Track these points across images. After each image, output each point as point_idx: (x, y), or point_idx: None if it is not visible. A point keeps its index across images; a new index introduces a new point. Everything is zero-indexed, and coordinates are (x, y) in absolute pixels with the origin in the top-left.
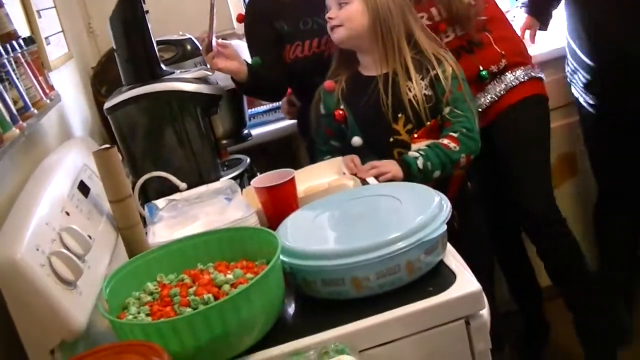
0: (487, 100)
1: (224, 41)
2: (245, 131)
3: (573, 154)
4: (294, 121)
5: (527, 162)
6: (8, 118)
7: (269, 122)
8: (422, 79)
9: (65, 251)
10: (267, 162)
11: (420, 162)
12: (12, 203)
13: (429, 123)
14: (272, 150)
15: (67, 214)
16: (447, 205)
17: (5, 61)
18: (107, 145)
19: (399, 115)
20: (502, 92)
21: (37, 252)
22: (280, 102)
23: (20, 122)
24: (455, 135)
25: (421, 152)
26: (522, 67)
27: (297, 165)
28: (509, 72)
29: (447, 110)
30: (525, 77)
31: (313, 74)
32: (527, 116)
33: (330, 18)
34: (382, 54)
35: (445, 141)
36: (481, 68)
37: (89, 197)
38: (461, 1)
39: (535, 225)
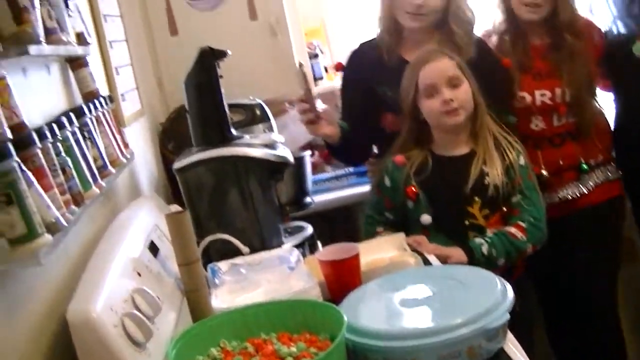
0: (576, 193)
1: (325, 107)
2: (308, 199)
3: (634, 240)
4: (355, 190)
5: (597, 262)
6: (89, 177)
7: (331, 189)
8: (502, 163)
9: (137, 313)
10: (327, 229)
11: (485, 249)
12: (87, 258)
13: (504, 209)
14: (332, 218)
15: (139, 274)
16: (510, 293)
17: (88, 120)
18: (180, 209)
19: (476, 198)
20: (590, 188)
21: (111, 312)
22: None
23: (99, 181)
24: (523, 224)
25: (487, 239)
26: (610, 165)
27: (357, 234)
28: (601, 168)
29: (517, 198)
30: (612, 177)
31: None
32: (609, 222)
33: (448, 101)
34: (469, 135)
35: (513, 230)
36: (582, 160)
37: (158, 257)
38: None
39: (587, 315)
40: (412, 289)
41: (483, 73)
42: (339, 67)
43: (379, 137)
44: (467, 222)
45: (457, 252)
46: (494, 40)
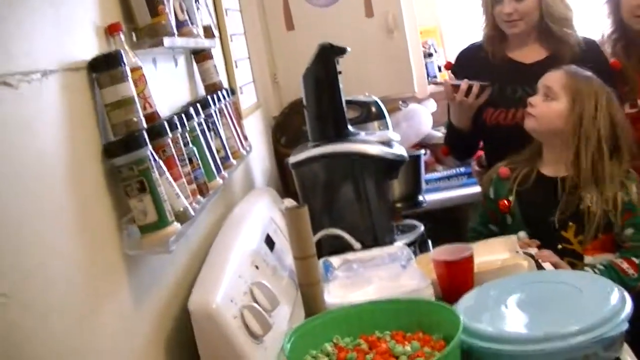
0: None
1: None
2: (420, 197)
3: None
4: (466, 191)
5: None
6: (213, 168)
7: (441, 189)
8: (605, 193)
9: (256, 306)
10: (435, 229)
11: None
12: (206, 248)
13: (602, 236)
14: (441, 218)
15: (257, 267)
16: (628, 301)
17: (212, 112)
18: (295, 203)
19: (570, 223)
20: None
21: (231, 304)
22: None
23: (223, 172)
24: (637, 261)
25: (597, 270)
26: None
27: (466, 235)
28: None
29: (629, 231)
30: None
31: (510, 144)
32: None
33: (530, 104)
34: (572, 159)
35: (625, 265)
36: None
37: (274, 251)
38: None
39: None
40: (526, 293)
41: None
42: (448, 66)
43: (481, 131)
44: (560, 246)
45: (570, 269)
46: (607, 49)
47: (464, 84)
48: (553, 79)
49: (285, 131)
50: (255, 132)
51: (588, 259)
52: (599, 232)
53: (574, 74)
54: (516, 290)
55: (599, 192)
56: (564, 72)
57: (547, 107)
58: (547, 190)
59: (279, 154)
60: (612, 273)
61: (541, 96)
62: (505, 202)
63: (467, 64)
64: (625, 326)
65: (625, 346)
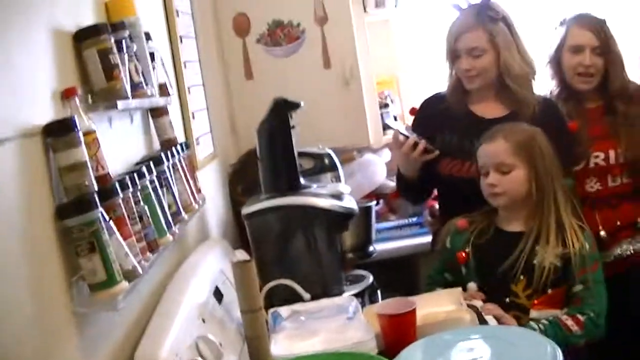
0: (632, 250)
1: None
2: (371, 248)
3: None
4: (418, 240)
5: None
6: (164, 224)
7: (394, 238)
8: (556, 248)
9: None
10: (388, 278)
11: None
12: (157, 301)
13: (550, 291)
14: (393, 267)
15: (203, 320)
16: (560, 357)
17: (166, 168)
18: (245, 258)
19: (521, 277)
20: None
21: (175, 358)
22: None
23: (173, 228)
24: (582, 318)
25: (541, 326)
26: None
27: (416, 284)
28: None
29: (579, 287)
30: None
31: (464, 195)
32: None
33: (491, 185)
34: (528, 216)
35: (570, 322)
36: (639, 220)
37: (222, 303)
38: None
39: None
40: (464, 348)
41: (549, 133)
42: (412, 111)
43: (435, 181)
44: (507, 300)
45: (514, 323)
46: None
47: (412, 138)
48: (500, 153)
49: (242, 180)
50: (211, 182)
51: (533, 313)
52: (549, 287)
53: (512, 136)
54: (454, 344)
55: (550, 247)
56: (504, 141)
57: (510, 181)
58: (503, 245)
59: (236, 202)
60: (557, 329)
61: (496, 173)
62: (463, 254)
63: (429, 113)
64: None
65: None
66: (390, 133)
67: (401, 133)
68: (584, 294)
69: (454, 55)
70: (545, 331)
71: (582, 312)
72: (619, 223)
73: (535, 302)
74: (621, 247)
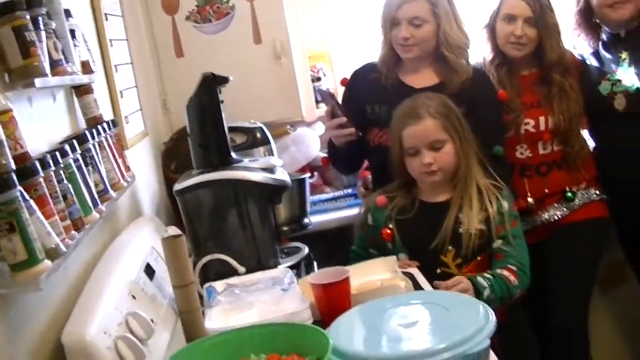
0: (558, 215)
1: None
2: (306, 220)
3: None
4: (352, 211)
5: (570, 284)
6: (90, 202)
7: (329, 210)
8: (479, 213)
9: (130, 336)
10: (324, 248)
11: (486, 293)
12: (86, 281)
13: (478, 258)
14: (329, 237)
15: (134, 297)
16: (492, 319)
17: (91, 146)
18: (175, 233)
19: (449, 247)
20: (571, 209)
21: (104, 335)
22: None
23: (100, 206)
24: (514, 268)
25: (489, 282)
26: (593, 187)
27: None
28: (585, 191)
29: (499, 243)
30: (595, 198)
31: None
32: (586, 240)
33: (428, 164)
34: (451, 185)
35: (506, 273)
36: (567, 189)
37: (153, 279)
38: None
39: (559, 342)
40: (399, 314)
41: (479, 104)
42: (343, 82)
43: (366, 151)
44: (439, 271)
45: (470, 288)
46: (492, 74)
47: (338, 119)
48: (431, 131)
49: (175, 157)
50: (143, 160)
51: (488, 273)
52: (476, 253)
53: (436, 112)
54: (388, 311)
55: (474, 214)
56: (431, 118)
57: (443, 156)
58: (429, 217)
59: (170, 180)
60: (502, 284)
61: (430, 151)
62: (388, 230)
63: (359, 83)
64: (487, 343)
65: (493, 358)
66: (322, 105)
67: (333, 106)
68: (505, 247)
69: (392, 23)
70: (493, 288)
71: (511, 263)
72: (547, 191)
73: (465, 270)
74: (548, 212)
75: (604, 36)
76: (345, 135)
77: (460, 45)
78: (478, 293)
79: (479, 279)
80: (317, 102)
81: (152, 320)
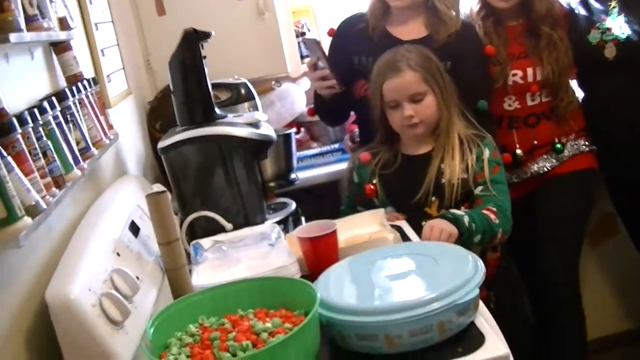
0: (548, 167)
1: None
2: (293, 175)
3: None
4: (340, 166)
5: (560, 236)
6: (71, 160)
7: (316, 165)
8: (461, 162)
9: (115, 293)
10: (312, 204)
11: (466, 220)
12: (68, 239)
13: (462, 208)
14: (318, 193)
15: (118, 254)
16: (481, 268)
17: (71, 103)
18: (159, 189)
19: (433, 198)
20: (561, 161)
21: (89, 293)
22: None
23: (82, 163)
24: (494, 209)
25: (465, 211)
26: (582, 138)
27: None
28: (574, 142)
29: (480, 188)
30: (584, 149)
31: None
32: (575, 191)
33: (410, 116)
34: (433, 137)
35: (485, 211)
36: (556, 140)
37: (138, 237)
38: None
39: (549, 295)
40: (387, 266)
41: (465, 58)
42: (330, 32)
43: (351, 103)
44: (423, 223)
45: (448, 227)
46: (477, 25)
47: (320, 71)
48: (409, 82)
49: (160, 116)
50: (127, 119)
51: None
52: (460, 203)
53: (416, 64)
54: (377, 263)
55: (455, 163)
56: (411, 71)
57: (425, 108)
58: (412, 170)
59: (155, 139)
60: (480, 215)
61: (411, 104)
62: (371, 186)
63: (345, 33)
64: (476, 292)
65: (482, 308)
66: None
67: (316, 60)
68: (485, 192)
69: None
70: (472, 216)
71: (491, 205)
72: (536, 142)
73: None
74: (537, 164)
75: None
76: (328, 87)
77: None
78: (458, 222)
79: (453, 210)
80: (302, 57)
81: (137, 278)
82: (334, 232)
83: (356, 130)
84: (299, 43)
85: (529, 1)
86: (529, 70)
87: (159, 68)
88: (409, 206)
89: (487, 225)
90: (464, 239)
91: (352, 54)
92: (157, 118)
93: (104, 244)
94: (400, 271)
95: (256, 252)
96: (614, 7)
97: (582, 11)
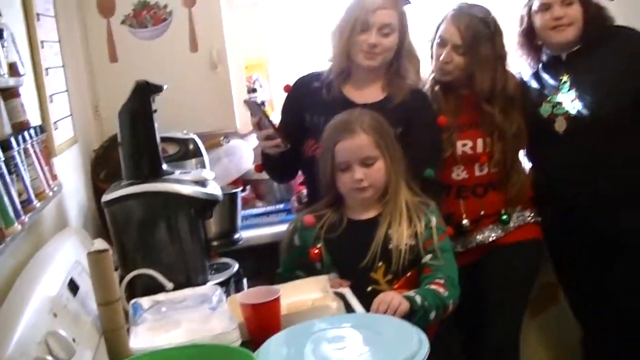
0: (493, 237)
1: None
2: (237, 235)
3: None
4: (285, 227)
5: (505, 305)
6: (12, 213)
7: (261, 224)
8: (408, 229)
9: (49, 358)
10: (255, 263)
11: (419, 299)
12: (5, 295)
13: (409, 273)
14: (261, 253)
15: (55, 315)
16: (425, 342)
17: (16, 153)
18: (101, 247)
19: (379, 264)
20: (506, 231)
21: (23, 356)
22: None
23: (23, 217)
24: (441, 281)
25: (415, 291)
26: (528, 209)
27: None
28: (520, 213)
29: (428, 257)
30: (530, 220)
31: None
32: (520, 261)
33: (359, 180)
34: (379, 202)
35: (434, 286)
36: (503, 211)
37: (77, 295)
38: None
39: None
40: (329, 338)
41: (416, 125)
42: (286, 88)
43: (300, 161)
44: (369, 289)
45: (401, 301)
46: (427, 88)
47: (265, 131)
48: (364, 147)
49: (105, 165)
50: (71, 168)
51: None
52: (407, 269)
53: (370, 128)
54: (319, 333)
55: (403, 229)
56: (365, 134)
57: (375, 173)
58: (358, 235)
59: (99, 188)
60: (430, 292)
61: (362, 167)
62: (316, 250)
63: (300, 90)
64: None
65: None
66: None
67: (259, 119)
68: (433, 262)
69: (361, 29)
70: (423, 295)
71: (439, 277)
72: (483, 212)
73: (395, 286)
74: (483, 233)
75: (544, 58)
76: (273, 146)
77: (414, 61)
78: (411, 302)
79: (407, 292)
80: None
81: (74, 340)
82: (277, 299)
83: (304, 191)
84: (250, 99)
85: (473, 77)
86: (479, 141)
87: (107, 115)
88: (355, 271)
89: (439, 300)
90: (419, 317)
91: (304, 111)
92: (102, 167)
93: (41, 303)
94: (342, 344)
95: (197, 315)
96: (565, 81)
97: (534, 84)
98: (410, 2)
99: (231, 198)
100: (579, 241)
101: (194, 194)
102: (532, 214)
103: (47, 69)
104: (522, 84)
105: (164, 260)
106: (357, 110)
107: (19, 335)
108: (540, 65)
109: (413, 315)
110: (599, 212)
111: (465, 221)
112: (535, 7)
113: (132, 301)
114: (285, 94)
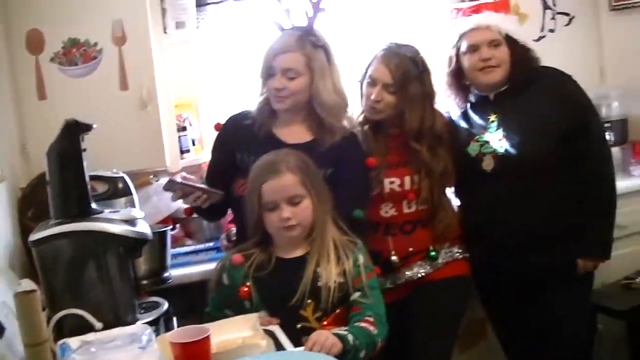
0: (422, 273)
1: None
2: (166, 274)
3: (483, 319)
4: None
5: (433, 341)
6: None
7: (190, 263)
8: (337, 266)
9: None
10: (185, 302)
11: (351, 338)
12: None
13: (337, 310)
14: (192, 292)
15: None
16: None
17: None
18: (29, 287)
19: (309, 301)
20: (435, 268)
21: None
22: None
23: None
24: (371, 319)
25: (345, 330)
26: (456, 246)
27: None
28: (448, 250)
29: (357, 295)
30: (458, 256)
31: None
32: (448, 297)
33: (287, 219)
34: (307, 241)
35: (364, 324)
36: (431, 247)
37: (3, 337)
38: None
39: None
40: None
41: (345, 166)
42: (217, 127)
43: (229, 200)
44: (299, 326)
45: (334, 340)
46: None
47: (192, 195)
48: (290, 186)
49: (32, 204)
50: None
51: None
52: (336, 306)
53: (295, 167)
54: None
55: (332, 267)
56: (291, 174)
57: (301, 211)
58: (287, 273)
59: (26, 228)
60: (360, 330)
61: (289, 206)
62: (245, 288)
63: (232, 130)
64: None
65: None
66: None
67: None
68: (362, 299)
69: (268, 73)
70: (353, 333)
71: (368, 315)
72: (411, 249)
73: (325, 323)
74: (412, 270)
75: (472, 98)
76: (204, 201)
77: (334, 105)
78: (344, 341)
79: (336, 330)
80: (181, 152)
81: None
82: (207, 338)
83: (233, 229)
84: (180, 137)
85: (402, 115)
86: (407, 179)
87: (35, 154)
88: (284, 309)
89: (369, 339)
90: (350, 357)
91: (235, 150)
92: (29, 206)
93: None
94: None
95: (126, 355)
96: (493, 120)
97: (463, 123)
98: (317, 45)
99: (161, 236)
100: (506, 278)
101: (123, 233)
102: (461, 251)
103: None
104: (451, 123)
105: (93, 299)
106: (283, 150)
107: None
108: (469, 104)
109: (344, 355)
110: (525, 249)
111: (394, 257)
112: (463, 48)
113: (60, 342)
114: (216, 133)
